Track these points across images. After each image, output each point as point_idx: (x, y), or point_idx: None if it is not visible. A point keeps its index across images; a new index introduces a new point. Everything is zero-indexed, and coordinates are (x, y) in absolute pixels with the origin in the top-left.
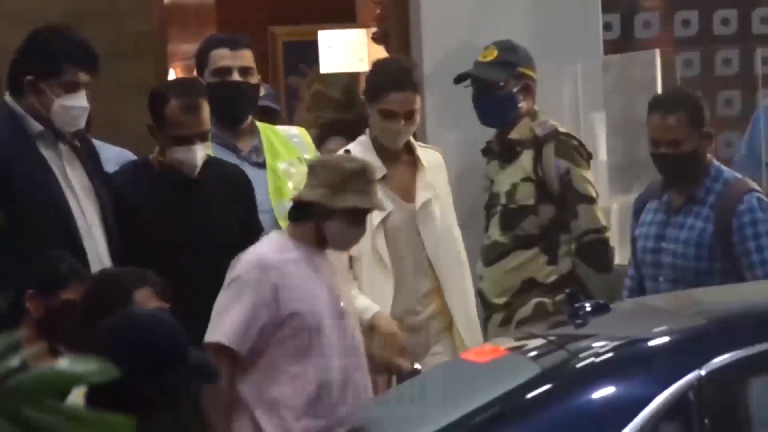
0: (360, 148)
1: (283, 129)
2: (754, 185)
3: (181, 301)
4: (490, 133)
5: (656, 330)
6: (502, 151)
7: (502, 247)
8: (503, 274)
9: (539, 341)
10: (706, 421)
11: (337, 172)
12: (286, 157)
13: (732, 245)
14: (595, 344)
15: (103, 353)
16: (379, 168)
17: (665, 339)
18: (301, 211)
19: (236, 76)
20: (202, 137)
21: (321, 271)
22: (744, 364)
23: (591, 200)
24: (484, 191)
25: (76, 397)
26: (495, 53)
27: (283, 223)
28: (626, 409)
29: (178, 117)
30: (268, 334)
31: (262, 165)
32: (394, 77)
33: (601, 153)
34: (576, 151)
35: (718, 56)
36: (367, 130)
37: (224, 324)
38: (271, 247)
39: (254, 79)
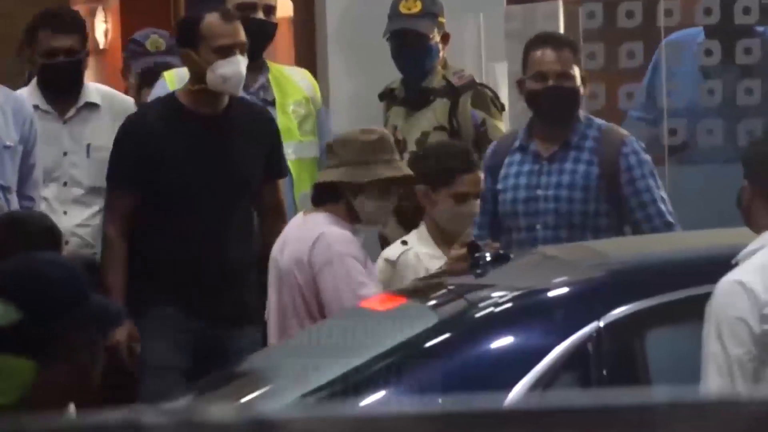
0: (416, 240)
1: (289, 69)
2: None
3: (197, 235)
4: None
5: (556, 281)
6: (411, 99)
7: None
8: None
9: (439, 290)
10: (604, 371)
11: (356, 146)
12: (295, 96)
13: (619, 186)
14: (494, 294)
15: None
16: (439, 257)
17: (564, 290)
18: (326, 193)
19: (260, 14)
20: (242, 48)
21: None
22: (641, 316)
23: None
24: None
25: None
26: (419, 5)
27: (292, 164)
28: (525, 359)
29: (218, 27)
30: None
31: (270, 103)
32: (461, 159)
33: (503, 103)
34: (492, 103)
35: (621, 8)
36: (422, 223)
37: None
38: (338, 224)
39: (275, 18)
